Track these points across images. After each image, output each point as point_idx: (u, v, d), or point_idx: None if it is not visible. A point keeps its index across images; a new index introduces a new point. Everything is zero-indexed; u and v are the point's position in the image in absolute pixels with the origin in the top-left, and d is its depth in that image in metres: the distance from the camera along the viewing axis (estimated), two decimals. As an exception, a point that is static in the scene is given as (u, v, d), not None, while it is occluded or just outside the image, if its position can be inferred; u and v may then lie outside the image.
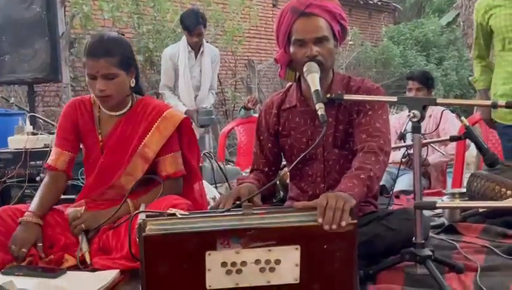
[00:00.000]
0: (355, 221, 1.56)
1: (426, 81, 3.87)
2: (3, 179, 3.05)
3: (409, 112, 1.83)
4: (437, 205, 1.89)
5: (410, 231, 1.84)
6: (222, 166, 3.15)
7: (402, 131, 3.57)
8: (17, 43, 3.89)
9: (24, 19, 3.85)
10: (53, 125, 3.62)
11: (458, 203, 2.64)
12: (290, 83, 2.22)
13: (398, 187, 3.34)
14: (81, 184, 2.64)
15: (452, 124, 3.70)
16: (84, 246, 2.07)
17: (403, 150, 3.10)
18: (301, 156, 1.81)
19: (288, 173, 2.26)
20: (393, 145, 2.69)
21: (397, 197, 3.15)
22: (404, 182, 3.52)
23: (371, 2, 14.48)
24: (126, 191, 2.18)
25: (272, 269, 1.53)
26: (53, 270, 1.97)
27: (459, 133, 2.84)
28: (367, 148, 1.94)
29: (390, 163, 2.64)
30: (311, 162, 2.13)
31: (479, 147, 2.15)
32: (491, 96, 3.03)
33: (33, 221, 2.09)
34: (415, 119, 1.83)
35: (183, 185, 2.31)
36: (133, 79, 2.23)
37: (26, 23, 3.84)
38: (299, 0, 2.00)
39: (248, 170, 2.39)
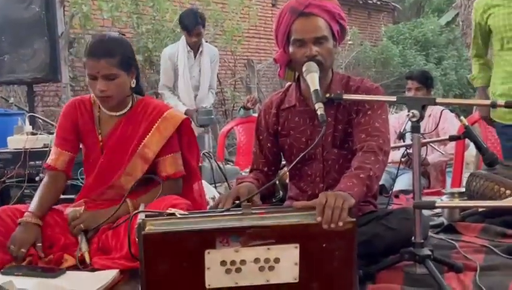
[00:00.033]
0: (355, 220, 1.56)
1: (425, 80, 3.87)
2: (2, 179, 3.04)
3: (408, 111, 1.83)
4: (436, 204, 1.89)
5: (410, 231, 1.84)
6: (221, 166, 3.16)
7: (401, 130, 3.56)
8: (16, 43, 3.89)
9: (23, 19, 3.85)
10: (52, 125, 3.61)
11: (457, 202, 2.64)
12: (289, 83, 2.22)
13: (397, 187, 3.34)
14: (81, 184, 2.64)
15: (451, 124, 3.70)
16: (84, 246, 2.07)
17: (402, 149, 3.10)
18: (300, 156, 1.80)
19: (287, 173, 2.26)
20: (392, 145, 2.69)
21: (396, 196, 3.15)
22: (404, 181, 3.52)
23: (370, 1, 14.44)
24: (125, 191, 2.18)
25: (271, 268, 1.53)
26: (52, 270, 1.97)
27: (459, 132, 2.85)
28: (366, 148, 1.94)
29: (390, 163, 2.64)
30: (311, 161, 2.13)
31: (478, 147, 2.15)
32: (490, 95, 3.03)
33: (32, 221, 2.08)
34: (414, 119, 1.83)
35: (182, 185, 2.31)
36: (134, 79, 2.23)
37: (25, 23, 3.84)
38: (298, 0, 2.01)
39: (247, 170, 2.38)
